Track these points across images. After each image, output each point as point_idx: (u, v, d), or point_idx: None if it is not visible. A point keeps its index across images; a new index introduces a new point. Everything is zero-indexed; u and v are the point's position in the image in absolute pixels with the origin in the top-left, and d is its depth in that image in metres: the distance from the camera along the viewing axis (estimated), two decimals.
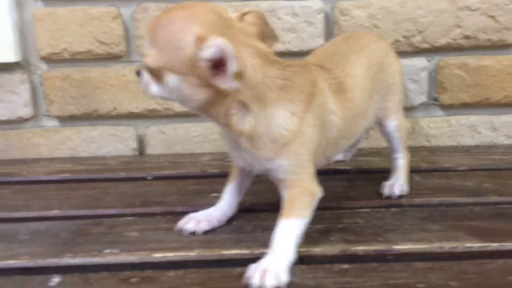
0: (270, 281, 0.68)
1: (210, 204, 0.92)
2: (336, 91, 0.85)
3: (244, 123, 0.74)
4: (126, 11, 1.24)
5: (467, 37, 1.26)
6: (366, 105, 0.92)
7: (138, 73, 0.78)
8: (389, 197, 0.98)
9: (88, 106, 1.28)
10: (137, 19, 1.24)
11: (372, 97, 0.93)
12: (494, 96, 1.31)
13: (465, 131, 1.34)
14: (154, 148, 1.32)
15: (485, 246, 0.78)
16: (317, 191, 0.80)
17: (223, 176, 1.11)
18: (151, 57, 0.72)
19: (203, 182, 1.10)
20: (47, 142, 1.31)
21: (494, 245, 0.79)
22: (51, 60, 1.26)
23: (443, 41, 1.27)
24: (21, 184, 1.12)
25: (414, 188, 1.02)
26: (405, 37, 1.26)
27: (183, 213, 0.90)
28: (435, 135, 1.33)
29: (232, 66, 0.66)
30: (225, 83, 0.68)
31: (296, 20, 1.24)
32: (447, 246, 0.79)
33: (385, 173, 1.07)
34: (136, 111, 1.29)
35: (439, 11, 1.25)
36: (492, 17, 1.25)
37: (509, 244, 0.79)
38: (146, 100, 1.27)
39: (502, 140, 1.34)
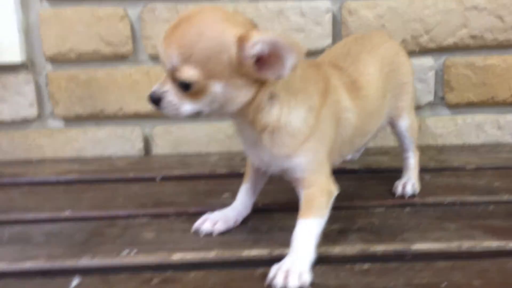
0: (293, 281, 0.67)
1: (223, 204, 0.92)
2: (350, 89, 0.86)
3: (272, 115, 0.75)
4: (133, 11, 1.23)
5: (473, 37, 1.27)
6: (380, 104, 0.92)
7: (157, 101, 0.73)
8: (402, 196, 0.98)
9: (94, 106, 1.27)
10: (144, 19, 1.23)
11: (385, 96, 0.94)
12: (499, 95, 1.31)
13: (471, 130, 1.34)
14: (161, 148, 1.31)
15: (503, 245, 0.78)
16: (334, 190, 0.80)
17: (232, 176, 1.12)
18: (191, 73, 0.68)
19: (213, 182, 1.10)
20: (52, 143, 1.30)
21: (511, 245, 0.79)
22: (57, 60, 1.25)
23: (450, 40, 1.27)
24: (29, 185, 1.11)
25: (425, 187, 1.02)
26: (412, 36, 1.26)
27: (197, 214, 0.89)
28: (442, 134, 1.34)
29: (293, 57, 0.67)
30: (275, 74, 0.69)
31: (304, 20, 1.24)
32: (466, 245, 0.79)
33: (394, 172, 1.08)
34: (143, 111, 1.28)
35: (446, 11, 1.25)
36: (499, 17, 1.26)
37: None
38: None
39: (508, 139, 1.34)
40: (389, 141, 1.32)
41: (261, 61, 0.69)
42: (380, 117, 0.95)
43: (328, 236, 0.80)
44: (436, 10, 1.25)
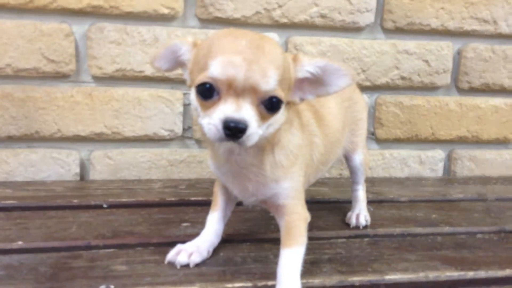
0: None
1: (185, 234, 0.91)
2: (315, 117, 0.89)
3: (280, 135, 0.76)
4: (78, 29, 1.18)
5: (403, 78, 1.37)
6: (340, 135, 0.96)
7: (239, 133, 0.66)
8: (356, 227, 1.03)
9: (29, 127, 1.19)
10: (91, 38, 1.18)
11: (344, 129, 0.98)
12: (422, 133, 1.43)
13: (396, 164, 1.44)
14: (99, 173, 1.25)
15: (463, 275, 0.85)
16: (309, 216, 0.83)
17: (183, 205, 1.11)
18: (282, 95, 0.68)
19: (166, 210, 1.07)
20: None
21: (470, 274, 0.86)
22: None
23: (383, 80, 1.36)
24: None
25: (372, 218, 1.07)
26: None
27: (162, 245, 0.88)
28: (371, 167, 1.42)
29: (347, 78, 0.73)
30: (310, 96, 0.75)
31: None
32: (431, 275, 0.84)
33: (339, 202, 1.14)
34: (82, 134, 1.21)
35: (381, 53, 1.34)
36: (426, 61, 1.37)
37: (482, 272, 0.86)
38: (94, 123, 1.21)
39: (428, 173, 1.46)
40: (324, 173, 1.38)
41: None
42: (339, 147, 0.99)
43: (304, 267, 0.81)
44: (373, 51, 1.34)
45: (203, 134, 0.73)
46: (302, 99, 0.75)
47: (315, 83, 0.74)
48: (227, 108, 0.65)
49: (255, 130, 0.66)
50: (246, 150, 0.74)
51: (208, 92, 0.67)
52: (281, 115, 0.71)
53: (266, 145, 0.75)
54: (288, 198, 0.79)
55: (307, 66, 0.72)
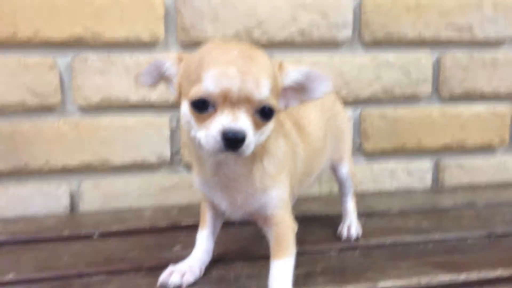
0: None
1: (177, 256, 0.91)
2: (296, 127, 0.91)
3: (268, 143, 0.78)
4: (62, 60, 1.19)
5: (385, 90, 1.39)
6: (322, 145, 0.97)
7: (238, 143, 0.67)
8: (347, 239, 1.03)
9: (17, 161, 1.19)
10: (75, 69, 1.19)
11: (326, 140, 0.99)
12: (408, 144, 1.44)
13: (385, 176, 1.45)
14: (89, 204, 1.25)
15: (455, 278, 0.86)
16: (295, 226, 0.83)
17: (176, 229, 1.11)
18: (275, 103, 0.71)
19: (158, 236, 1.07)
20: None
21: (463, 276, 0.86)
22: None
23: (365, 93, 1.38)
24: None
25: (364, 229, 1.08)
26: (334, 91, 1.35)
27: (154, 269, 0.87)
28: (361, 181, 1.43)
29: (328, 85, 0.76)
30: (295, 103, 0.77)
31: None
32: (424, 280, 0.85)
33: (329, 218, 1.15)
34: (71, 165, 1.22)
35: (360, 66, 1.36)
36: (406, 72, 1.39)
37: (475, 273, 0.87)
38: (82, 153, 1.22)
39: (417, 184, 1.47)
40: (314, 190, 1.39)
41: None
42: (322, 158, 0.99)
43: (297, 280, 0.82)
44: (353, 66, 1.36)
45: (194, 148, 0.75)
46: (286, 106, 0.78)
47: (299, 90, 0.76)
48: (224, 119, 0.67)
49: (253, 139, 0.68)
50: (235, 160, 0.76)
51: (203, 105, 0.68)
52: (271, 123, 0.73)
53: (255, 155, 0.76)
54: (276, 208, 0.80)
55: (292, 73, 0.75)
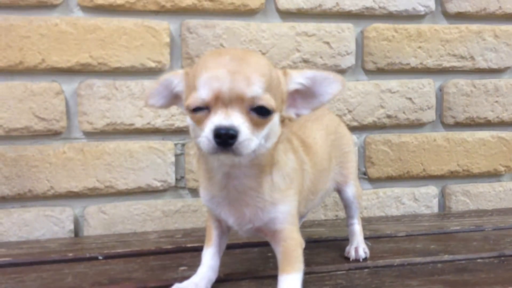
0: None
1: (183, 277, 0.89)
2: (302, 146, 0.91)
3: (278, 156, 0.78)
4: (68, 87, 1.20)
5: (389, 116, 1.40)
6: (327, 165, 0.97)
7: (232, 137, 0.67)
8: (355, 260, 1.02)
9: (22, 186, 1.19)
10: (81, 95, 1.20)
11: (331, 160, 0.99)
12: (413, 170, 1.44)
13: (391, 202, 1.44)
14: (94, 229, 1.24)
15: None
16: (303, 242, 0.83)
17: (180, 251, 1.10)
18: (272, 102, 0.70)
19: (163, 258, 1.06)
20: None
21: None
22: None
23: (369, 119, 1.39)
24: None
25: (371, 251, 1.07)
26: (337, 115, 1.36)
27: None
28: (366, 207, 1.42)
29: (337, 86, 0.75)
30: (305, 111, 0.77)
31: None
32: None
33: (337, 241, 1.13)
34: (75, 189, 1.22)
35: (365, 93, 1.37)
36: (409, 99, 1.40)
37: None
38: (87, 178, 1.22)
39: (423, 210, 1.46)
40: (320, 215, 1.38)
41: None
42: (327, 177, 0.99)
43: None
44: (357, 92, 1.37)
45: (203, 158, 0.76)
46: (298, 115, 0.78)
47: (307, 96, 0.77)
48: (217, 119, 0.68)
49: (248, 136, 0.68)
50: (245, 172, 0.76)
51: (199, 109, 0.70)
52: (276, 125, 0.73)
53: (265, 166, 0.76)
54: (284, 222, 0.79)
55: (297, 77, 0.76)
